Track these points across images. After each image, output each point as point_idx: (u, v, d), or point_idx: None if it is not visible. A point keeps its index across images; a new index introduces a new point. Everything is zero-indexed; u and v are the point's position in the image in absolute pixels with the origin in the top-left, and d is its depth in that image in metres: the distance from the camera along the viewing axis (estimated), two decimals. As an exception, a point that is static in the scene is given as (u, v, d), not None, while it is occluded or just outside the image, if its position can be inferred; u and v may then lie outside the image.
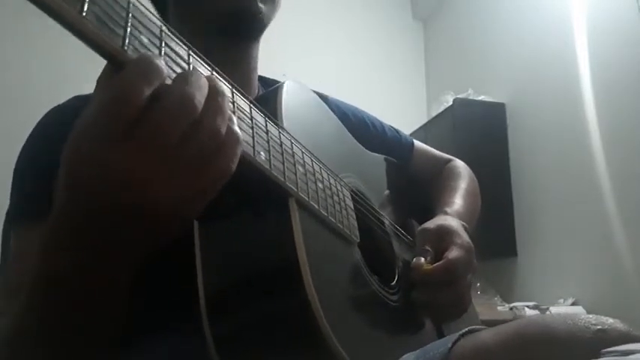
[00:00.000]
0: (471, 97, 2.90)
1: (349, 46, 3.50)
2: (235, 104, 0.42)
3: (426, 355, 0.45)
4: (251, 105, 0.45)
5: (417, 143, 0.94)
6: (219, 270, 0.48)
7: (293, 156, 0.49)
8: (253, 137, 0.42)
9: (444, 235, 0.67)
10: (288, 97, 0.57)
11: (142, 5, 0.35)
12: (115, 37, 0.32)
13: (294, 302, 0.44)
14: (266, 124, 0.46)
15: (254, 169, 0.42)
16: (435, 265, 0.62)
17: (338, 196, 0.56)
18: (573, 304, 2.22)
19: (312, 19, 3.38)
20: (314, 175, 0.52)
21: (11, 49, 2.71)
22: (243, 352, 0.46)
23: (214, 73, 0.40)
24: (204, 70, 0.39)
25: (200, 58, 0.40)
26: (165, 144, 0.33)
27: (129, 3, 0.33)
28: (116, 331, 0.45)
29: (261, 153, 0.43)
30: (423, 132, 2.98)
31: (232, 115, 0.38)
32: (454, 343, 0.44)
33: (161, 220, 0.36)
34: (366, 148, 0.79)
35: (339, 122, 0.73)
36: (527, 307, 2.24)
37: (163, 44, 0.36)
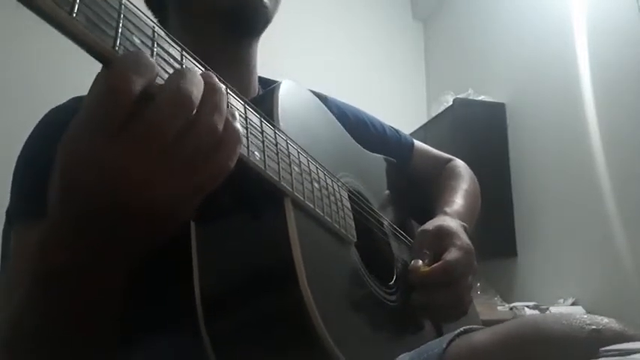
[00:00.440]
0: (471, 97, 2.90)
1: (349, 46, 3.50)
2: (229, 104, 0.42)
3: (421, 356, 0.45)
4: (245, 105, 0.45)
5: (417, 143, 0.94)
6: (215, 270, 0.48)
7: (289, 156, 0.49)
8: (248, 137, 0.42)
9: (442, 237, 0.66)
10: (285, 98, 0.57)
11: (135, 6, 0.35)
12: (107, 37, 0.32)
13: (290, 301, 0.44)
14: (261, 125, 0.46)
15: (248, 169, 0.42)
16: (432, 266, 0.62)
17: (334, 196, 0.56)
18: (573, 304, 2.22)
19: (312, 18, 3.38)
20: (310, 175, 0.52)
21: (11, 49, 2.71)
22: (240, 351, 0.46)
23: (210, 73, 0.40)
24: (198, 70, 0.39)
25: (193, 58, 0.40)
26: (161, 141, 0.33)
27: (120, 4, 0.33)
28: (113, 328, 0.45)
29: (256, 153, 0.43)
30: (423, 132, 2.98)
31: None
32: (449, 343, 0.44)
33: (158, 217, 0.36)
34: (366, 149, 0.79)
35: (337, 122, 0.73)
36: (527, 307, 2.23)
37: (155, 45, 0.36)
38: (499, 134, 2.82)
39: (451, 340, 0.44)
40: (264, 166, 0.43)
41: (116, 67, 0.32)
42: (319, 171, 0.55)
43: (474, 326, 0.46)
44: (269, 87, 0.60)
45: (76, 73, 2.38)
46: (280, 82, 0.59)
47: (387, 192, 0.80)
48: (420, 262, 0.63)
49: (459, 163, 0.95)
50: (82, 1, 0.30)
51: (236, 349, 0.46)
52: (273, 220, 0.47)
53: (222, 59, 0.51)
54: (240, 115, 0.43)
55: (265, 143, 0.45)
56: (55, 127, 0.61)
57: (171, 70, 0.36)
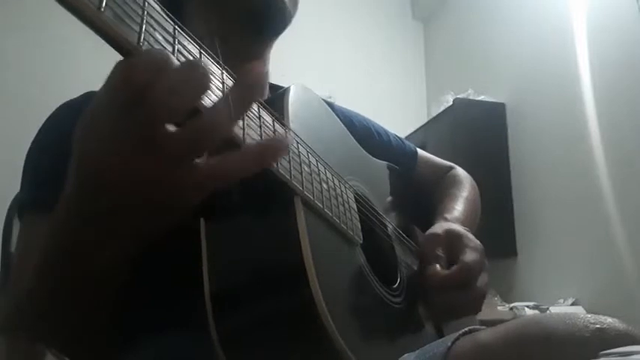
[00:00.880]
0: (471, 97, 2.90)
1: (349, 45, 3.50)
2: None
3: (426, 355, 0.45)
4: (259, 104, 0.45)
5: (420, 152, 0.96)
6: (224, 268, 0.48)
7: (299, 156, 0.49)
8: (261, 135, 0.43)
9: (453, 239, 0.67)
10: (295, 100, 0.57)
11: (157, 3, 0.36)
12: (132, 33, 0.33)
13: (299, 300, 0.44)
14: (273, 124, 0.47)
15: None
16: (452, 269, 0.63)
17: (342, 197, 0.57)
18: (573, 304, 2.22)
19: (312, 18, 3.38)
20: (319, 175, 0.53)
21: (11, 49, 2.71)
22: (249, 349, 0.47)
23: (224, 71, 0.41)
24: (215, 68, 0.40)
25: (211, 57, 0.41)
26: (165, 121, 0.34)
27: (144, 1, 0.34)
28: (117, 311, 0.47)
29: None
30: (423, 132, 2.97)
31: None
32: (454, 342, 0.44)
33: (164, 194, 0.37)
34: (371, 156, 0.80)
35: (344, 128, 0.74)
36: (527, 307, 2.24)
37: (176, 42, 0.37)
38: (499, 134, 2.82)
39: (456, 339, 0.44)
40: (277, 165, 0.44)
41: (136, 55, 0.33)
42: (327, 171, 0.56)
43: (479, 327, 0.47)
44: (277, 92, 0.61)
45: (76, 73, 2.38)
46: (291, 86, 0.60)
47: (390, 198, 0.81)
48: (438, 266, 0.64)
49: (460, 172, 0.97)
50: None
51: (245, 348, 0.46)
52: (283, 219, 0.47)
53: (239, 60, 0.51)
54: (254, 114, 0.43)
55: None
56: (68, 120, 0.62)
57: None
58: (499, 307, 2.39)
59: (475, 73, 3.16)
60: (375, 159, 0.81)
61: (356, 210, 0.60)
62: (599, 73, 2.26)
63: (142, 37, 0.33)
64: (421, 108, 3.58)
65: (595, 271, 2.20)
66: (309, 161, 0.52)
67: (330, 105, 0.80)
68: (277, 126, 0.47)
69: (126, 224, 0.40)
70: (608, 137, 2.21)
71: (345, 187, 0.60)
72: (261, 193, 0.48)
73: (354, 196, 0.62)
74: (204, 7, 0.68)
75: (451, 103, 2.85)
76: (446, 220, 0.76)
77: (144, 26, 0.34)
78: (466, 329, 0.46)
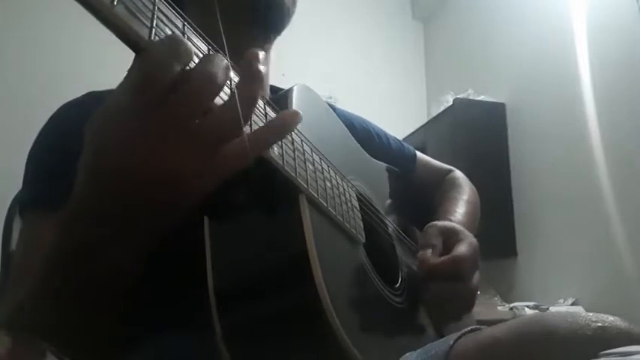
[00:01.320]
0: (471, 97, 2.90)
1: (349, 45, 3.50)
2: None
3: (428, 353, 0.45)
4: (265, 101, 0.45)
5: (419, 154, 0.96)
6: (228, 265, 0.49)
7: (304, 154, 0.50)
8: None
9: (450, 232, 0.68)
10: (299, 100, 0.58)
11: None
12: (143, 28, 0.33)
13: (304, 297, 0.44)
14: None
15: (267, 163, 0.43)
16: (442, 258, 0.63)
17: (345, 195, 0.57)
18: (573, 304, 2.22)
19: (312, 19, 3.38)
20: (322, 173, 0.53)
21: (11, 49, 2.71)
22: (253, 346, 0.47)
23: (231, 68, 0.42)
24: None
25: (219, 53, 0.41)
26: (188, 122, 0.35)
27: None
28: (120, 311, 0.47)
29: (275, 148, 0.44)
30: (423, 132, 2.97)
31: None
32: (455, 341, 0.44)
33: (181, 191, 0.38)
34: (371, 158, 0.80)
35: (346, 128, 0.75)
36: (527, 307, 2.24)
37: (186, 38, 0.37)
38: (499, 134, 2.82)
39: (458, 338, 0.44)
40: (283, 162, 0.44)
41: (156, 50, 0.33)
42: (331, 170, 0.56)
43: (481, 326, 0.47)
44: (281, 91, 0.61)
45: (75, 73, 2.39)
46: (295, 85, 0.60)
47: (390, 200, 0.81)
48: (430, 252, 0.63)
49: (459, 175, 0.98)
50: None
51: (249, 345, 0.46)
52: (288, 217, 0.47)
53: (240, 59, 0.52)
54: (260, 111, 0.44)
55: (283, 140, 0.46)
56: (70, 119, 0.63)
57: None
58: (499, 307, 2.39)
59: (475, 73, 3.16)
60: (375, 161, 0.81)
61: (358, 209, 0.61)
62: (599, 73, 2.26)
63: (154, 32, 0.34)
64: (421, 108, 3.58)
65: (595, 271, 2.20)
66: (313, 159, 0.52)
67: (331, 107, 0.80)
68: None
69: (141, 222, 0.40)
70: (608, 137, 2.21)
71: (348, 186, 0.60)
72: (267, 190, 0.48)
73: (357, 195, 0.62)
74: (202, 2, 0.68)
75: (451, 103, 2.85)
76: (450, 221, 0.76)
77: (154, 21, 0.34)
78: (468, 328, 0.46)
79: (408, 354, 0.48)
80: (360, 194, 0.65)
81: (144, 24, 0.33)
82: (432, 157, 1.01)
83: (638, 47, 2.07)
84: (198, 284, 0.47)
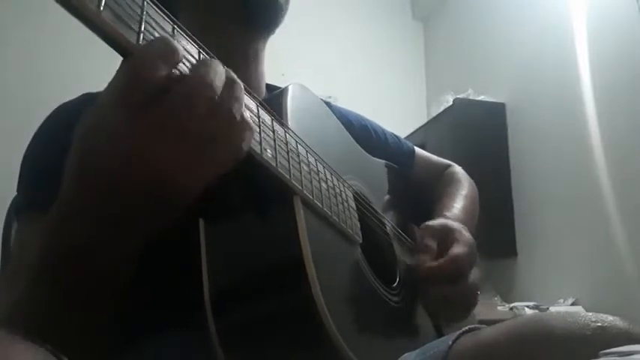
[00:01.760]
0: (471, 97, 2.90)
1: (349, 45, 3.50)
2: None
3: (427, 353, 0.45)
4: (258, 104, 0.45)
5: (418, 150, 0.95)
6: (224, 267, 0.48)
7: (298, 155, 0.49)
8: (260, 134, 0.43)
9: (446, 232, 0.67)
10: (294, 100, 0.57)
11: (155, 3, 0.36)
12: (131, 32, 0.33)
13: (299, 298, 0.44)
14: (272, 123, 0.47)
15: (261, 165, 0.43)
16: (440, 260, 0.63)
17: (341, 196, 0.57)
18: (573, 304, 2.22)
19: (312, 18, 3.38)
20: (318, 174, 0.53)
21: (11, 49, 2.71)
22: (248, 348, 0.46)
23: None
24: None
25: (210, 56, 0.41)
26: (180, 124, 0.35)
27: (143, 0, 0.34)
28: (116, 311, 0.46)
29: (268, 150, 0.43)
30: (423, 132, 2.97)
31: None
32: (455, 340, 0.44)
33: (169, 196, 0.38)
34: (369, 155, 0.80)
35: (343, 127, 0.74)
36: (527, 307, 2.24)
37: (176, 41, 0.37)
38: (499, 134, 2.82)
39: (457, 338, 0.44)
40: (276, 164, 0.44)
41: (145, 50, 0.33)
42: (326, 171, 0.56)
43: (480, 325, 0.47)
44: (275, 91, 0.61)
45: (75, 73, 2.38)
46: (289, 85, 0.60)
47: (389, 197, 0.81)
48: (427, 256, 0.63)
49: (457, 169, 0.97)
50: None
51: (244, 346, 0.46)
52: (282, 218, 0.47)
53: (233, 59, 0.52)
54: (253, 114, 0.43)
55: (276, 142, 0.46)
56: (65, 121, 0.62)
57: (188, 65, 0.37)
58: (499, 307, 2.39)
59: (475, 73, 3.16)
60: (373, 158, 0.81)
61: (355, 209, 0.60)
62: (599, 73, 2.26)
63: (142, 37, 0.33)
64: (421, 108, 3.58)
65: (595, 271, 2.20)
66: (308, 160, 0.52)
67: (328, 104, 0.80)
68: (276, 125, 0.47)
69: (128, 222, 0.40)
70: (608, 137, 2.21)
71: (344, 186, 0.60)
72: (261, 192, 0.48)
73: (353, 196, 0.62)
74: (194, 2, 0.68)
75: (451, 103, 2.85)
76: (446, 217, 0.76)
77: (143, 25, 0.34)
78: (466, 328, 0.46)
79: (406, 354, 0.47)
80: (358, 194, 0.65)
81: (132, 28, 0.33)
82: (431, 156, 1.00)
83: (638, 47, 2.07)
84: (194, 286, 0.47)
